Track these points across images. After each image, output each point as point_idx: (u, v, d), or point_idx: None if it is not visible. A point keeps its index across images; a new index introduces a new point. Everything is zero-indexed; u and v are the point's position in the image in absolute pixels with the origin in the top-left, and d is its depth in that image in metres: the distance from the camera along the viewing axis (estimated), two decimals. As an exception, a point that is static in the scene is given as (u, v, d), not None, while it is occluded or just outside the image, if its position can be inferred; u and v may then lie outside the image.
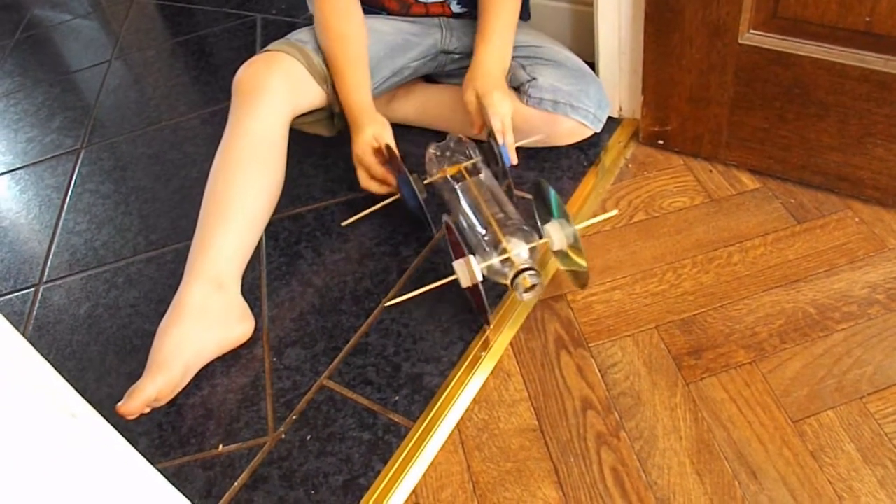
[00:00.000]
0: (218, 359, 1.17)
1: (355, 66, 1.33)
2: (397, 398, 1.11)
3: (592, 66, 1.50)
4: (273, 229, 1.46)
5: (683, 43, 1.29)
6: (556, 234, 1.15)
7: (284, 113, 1.22)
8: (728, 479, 1.00)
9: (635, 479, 1.02)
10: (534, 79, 1.37)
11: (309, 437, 1.08)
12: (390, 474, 1.03)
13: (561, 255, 1.21)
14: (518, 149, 1.34)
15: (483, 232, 1.16)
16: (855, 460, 1.00)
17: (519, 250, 1.12)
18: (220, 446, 1.09)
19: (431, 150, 1.37)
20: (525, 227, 1.16)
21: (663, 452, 1.04)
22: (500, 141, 1.22)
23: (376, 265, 1.34)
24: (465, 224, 1.22)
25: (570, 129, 1.37)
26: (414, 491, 1.05)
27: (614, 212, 1.33)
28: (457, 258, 1.11)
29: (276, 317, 1.30)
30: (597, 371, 1.14)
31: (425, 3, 1.40)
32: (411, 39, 1.40)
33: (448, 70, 1.48)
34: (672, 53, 1.31)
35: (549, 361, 1.16)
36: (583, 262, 1.11)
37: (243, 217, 1.20)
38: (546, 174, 1.46)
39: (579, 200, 1.40)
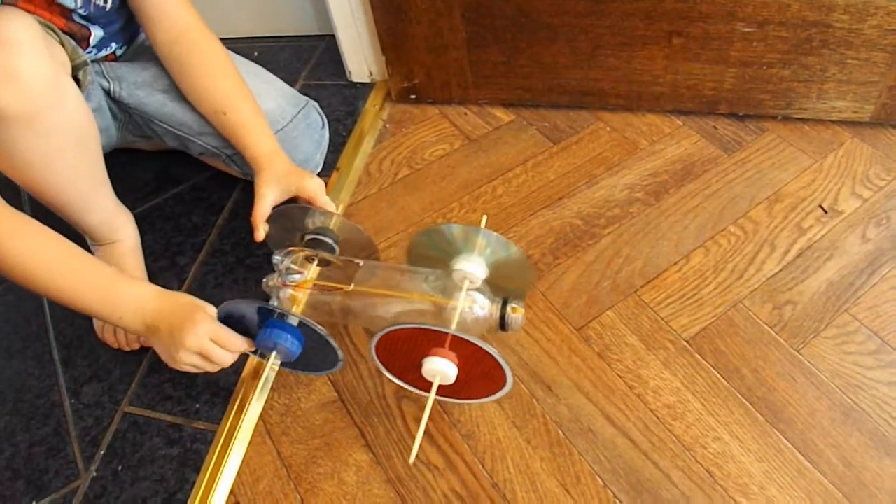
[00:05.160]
0: (15, 415, 1.13)
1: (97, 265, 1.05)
2: (198, 406, 1.11)
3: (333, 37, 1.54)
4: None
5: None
6: (470, 266, 1.04)
7: None
8: (526, 398, 1.06)
9: (439, 423, 1.06)
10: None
11: (120, 468, 1.07)
12: (205, 481, 1.04)
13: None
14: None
15: (423, 308, 1.04)
16: (639, 350, 1.09)
17: (475, 297, 1.02)
18: (34, 503, 1.05)
19: (272, 282, 1.10)
20: (446, 277, 1.05)
21: (461, 391, 1.08)
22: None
23: (156, 281, 1.32)
24: (385, 314, 1.06)
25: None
26: (232, 491, 1.05)
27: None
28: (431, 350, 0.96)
29: (67, 358, 1.26)
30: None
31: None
32: None
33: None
34: (399, 8, 1.39)
35: (338, 331, 1.19)
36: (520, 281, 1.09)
37: None
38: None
39: (343, 171, 1.43)
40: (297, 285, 1.06)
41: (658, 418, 1.02)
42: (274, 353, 1.01)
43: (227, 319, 1.01)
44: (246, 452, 1.07)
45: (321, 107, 1.38)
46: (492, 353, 0.90)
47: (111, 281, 1.02)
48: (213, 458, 1.07)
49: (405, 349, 0.96)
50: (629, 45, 1.32)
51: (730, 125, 1.39)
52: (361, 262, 1.06)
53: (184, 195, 1.45)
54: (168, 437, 1.12)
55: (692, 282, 1.16)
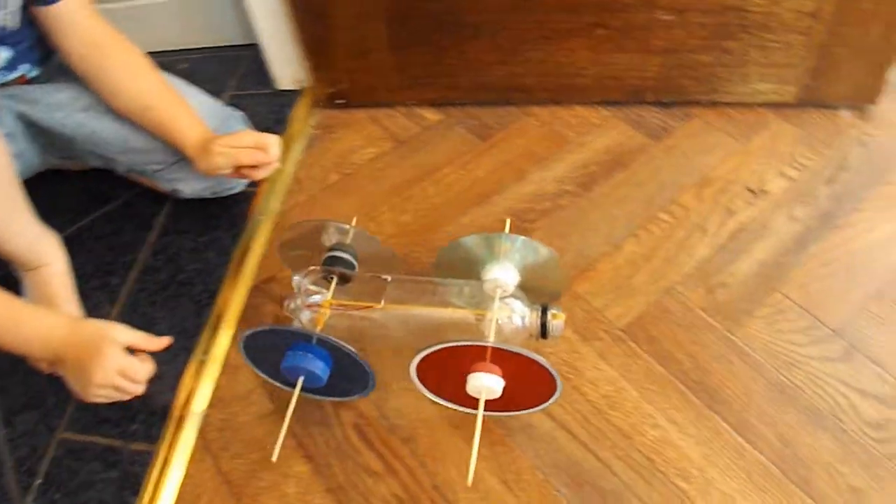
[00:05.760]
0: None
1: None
2: (135, 426, 1.09)
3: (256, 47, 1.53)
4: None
5: (326, 0, 1.36)
6: (501, 273, 1.03)
7: None
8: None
9: (378, 428, 1.05)
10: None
11: (58, 496, 1.04)
12: (145, 503, 1.00)
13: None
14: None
15: (459, 322, 1.02)
16: (574, 342, 1.09)
17: (513, 306, 1.01)
18: (-30, 545, 1.02)
19: (293, 304, 1.06)
20: (478, 287, 1.03)
21: (398, 395, 1.08)
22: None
23: (88, 303, 1.30)
24: (419, 332, 1.02)
25: None
26: (173, 510, 1.03)
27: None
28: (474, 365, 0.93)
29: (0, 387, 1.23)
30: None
31: None
32: None
33: None
34: (320, 14, 1.39)
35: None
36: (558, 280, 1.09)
37: None
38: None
39: (273, 180, 1.42)
40: (319, 306, 1.02)
41: (596, 409, 1.02)
42: (301, 379, 0.96)
43: (249, 348, 1.00)
44: (186, 471, 1.05)
45: (249, 116, 1.37)
46: (537, 359, 0.88)
47: (18, 313, 1.01)
48: (151, 480, 1.05)
49: (446, 368, 0.94)
50: (553, 38, 1.33)
51: (657, 113, 1.40)
52: (389, 278, 1.02)
53: (113, 214, 1.42)
54: (106, 461, 1.09)
55: (624, 270, 1.17)
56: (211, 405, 1.11)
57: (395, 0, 1.32)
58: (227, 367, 1.14)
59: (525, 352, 0.88)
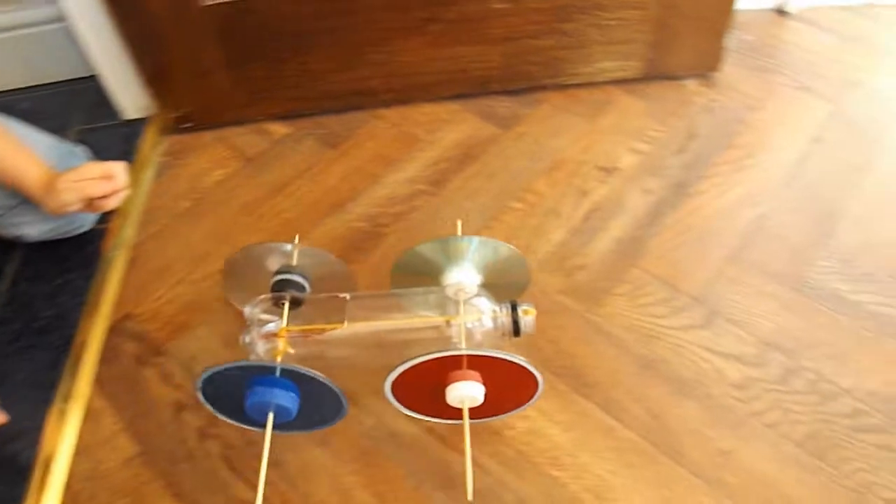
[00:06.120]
0: None
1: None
2: None
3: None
4: None
5: (154, 24, 1.32)
6: (461, 275, 1.00)
7: None
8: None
9: (244, 456, 1.02)
10: None
11: None
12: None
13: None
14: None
15: (429, 333, 0.97)
16: (436, 342, 1.05)
17: (480, 307, 0.97)
18: None
19: (248, 337, 0.98)
20: (441, 294, 0.99)
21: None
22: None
23: None
24: (389, 348, 0.97)
25: None
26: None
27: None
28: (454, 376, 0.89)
29: None
30: (180, 371, 1.11)
31: None
32: None
33: None
34: (153, 39, 1.34)
35: (135, 382, 1.12)
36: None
37: None
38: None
39: (124, 213, 1.36)
40: (275, 335, 0.94)
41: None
42: (271, 416, 0.88)
43: (208, 391, 0.92)
44: (52, 528, 0.99)
45: (98, 149, 1.32)
46: (512, 359, 0.85)
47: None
48: (18, 542, 0.98)
49: (423, 382, 0.89)
50: (388, 38, 1.31)
51: (506, 102, 1.39)
52: (348, 296, 0.96)
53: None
54: (-31, 528, 1.02)
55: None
56: (76, 454, 1.06)
57: (224, 17, 1.27)
58: (90, 413, 1.10)
59: (500, 354, 0.85)
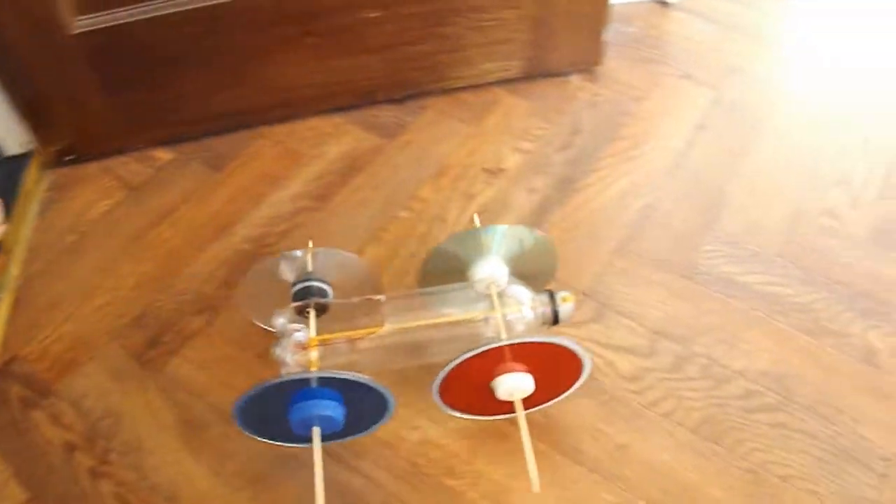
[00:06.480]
0: None
1: None
2: None
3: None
4: None
5: (19, 56, 1.28)
6: (489, 268, 0.98)
7: None
8: (217, 442, 1.00)
9: (138, 491, 0.99)
10: None
11: None
12: None
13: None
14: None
15: (471, 328, 0.95)
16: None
17: (519, 294, 0.95)
18: None
19: (279, 350, 0.93)
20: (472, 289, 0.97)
21: (154, 452, 1.02)
22: None
23: None
24: (430, 347, 0.95)
25: None
26: None
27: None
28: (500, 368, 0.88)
29: None
30: (69, 410, 1.08)
31: None
32: None
33: None
34: (19, 70, 1.30)
35: (23, 426, 1.09)
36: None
37: None
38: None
39: (9, 252, 1.31)
40: (306, 344, 0.90)
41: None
42: (317, 430, 0.85)
43: (247, 420, 0.90)
44: None
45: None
46: (556, 342, 0.85)
47: None
48: None
49: (470, 381, 0.89)
50: (266, 55, 1.29)
51: (391, 111, 1.38)
52: (383, 297, 0.94)
53: None
54: None
55: (370, 276, 1.12)
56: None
57: (96, 45, 1.25)
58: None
59: (541, 338, 0.85)
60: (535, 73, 1.40)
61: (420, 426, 0.98)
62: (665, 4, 1.61)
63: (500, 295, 0.92)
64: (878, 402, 1.00)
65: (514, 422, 0.95)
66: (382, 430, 0.98)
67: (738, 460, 0.95)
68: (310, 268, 1.00)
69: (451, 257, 0.98)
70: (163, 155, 1.40)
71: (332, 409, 0.84)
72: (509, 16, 1.31)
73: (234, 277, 1.17)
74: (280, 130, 1.37)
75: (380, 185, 1.26)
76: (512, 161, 1.26)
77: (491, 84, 1.40)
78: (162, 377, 1.07)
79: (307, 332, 0.91)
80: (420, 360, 0.93)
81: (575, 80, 1.42)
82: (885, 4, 1.63)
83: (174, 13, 1.21)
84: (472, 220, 1.09)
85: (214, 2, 1.22)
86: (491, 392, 0.88)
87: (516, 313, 0.91)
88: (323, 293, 0.99)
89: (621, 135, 1.32)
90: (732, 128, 1.35)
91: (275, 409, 0.86)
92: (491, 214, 1.18)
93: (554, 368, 0.90)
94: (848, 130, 1.35)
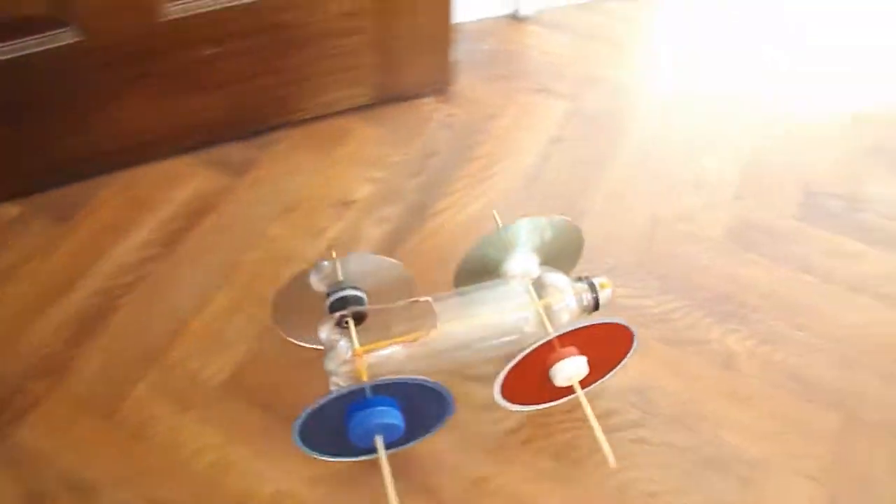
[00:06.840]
0: None
1: None
2: None
3: None
4: None
5: None
6: (522, 262, 1.01)
7: None
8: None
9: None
10: None
11: None
12: None
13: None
14: None
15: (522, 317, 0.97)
16: (173, 416, 1.04)
17: (558, 282, 0.98)
18: None
19: (331, 363, 0.94)
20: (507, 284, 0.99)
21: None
22: None
23: None
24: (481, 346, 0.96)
25: None
26: None
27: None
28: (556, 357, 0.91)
29: None
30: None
31: None
32: None
33: None
34: None
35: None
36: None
37: None
38: None
39: None
40: (357, 353, 0.90)
41: (207, 482, 0.95)
42: (379, 439, 0.84)
43: (308, 440, 0.90)
44: None
45: None
46: (602, 321, 0.89)
47: None
48: None
49: (527, 376, 0.91)
50: (106, 99, 1.25)
51: (240, 148, 1.35)
52: (430, 298, 0.92)
53: None
54: None
55: (218, 323, 1.11)
56: None
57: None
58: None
59: (589, 321, 0.89)
60: (387, 97, 1.39)
61: (274, 478, 0.97)
62: (519, 19, 1.61)
63: (541, 286, 0.96)
64: (739, 404, 1.02)
65: (368, 466, 0.94)
66: (239, 483, 0.97)
67: (603, 482, 0.95)
68: (340, 276, 0.98)
69: (482, 261, 1.00)
70: (9, 210, 1.35)
71: (391, 416, 0.84)
72: (353, 42, 1.29)
73: (81, 336, 1.13)
74: (128, 176, 1.33)
75: (229, 226, 1.23)
76: (362, 191, 1.25)
77: (343, 113, 1.38)
78: (4, 448, 1.02)
79: (349, 343, 0.91)
80: (464, 361, 0.96)
81: (428, 102, 1.41)
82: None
83: (9, 59, 1.15)
84: (329, 253, 1.06)
85: (46, 47, 1.18)
86: (547, 381, 0.91)
87: (560, 303, 0.95)
88: (360, 301, 0.96)
89: (475, 154, 1.31)
90: (589, 138, 1.35)
91: (333, 424, 0.86)
92: (340, 249, 1.16)
93: (603, 344, 0.94)
94: (703, 133, 1.36)
